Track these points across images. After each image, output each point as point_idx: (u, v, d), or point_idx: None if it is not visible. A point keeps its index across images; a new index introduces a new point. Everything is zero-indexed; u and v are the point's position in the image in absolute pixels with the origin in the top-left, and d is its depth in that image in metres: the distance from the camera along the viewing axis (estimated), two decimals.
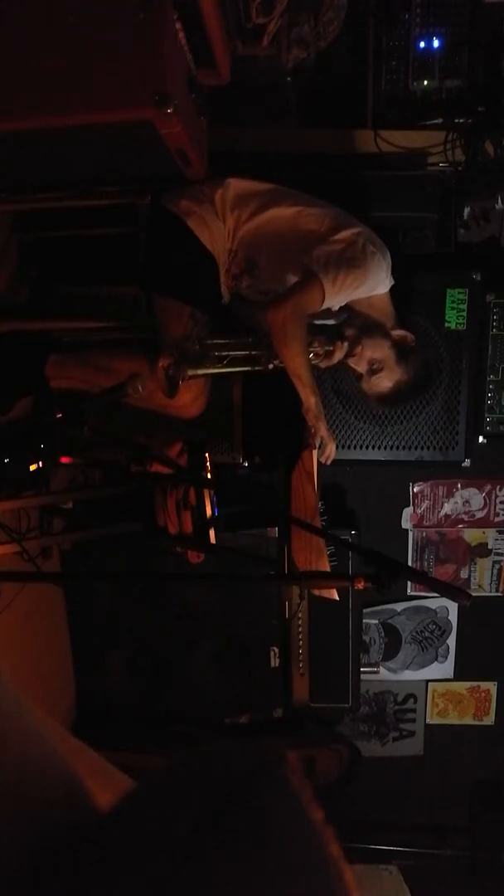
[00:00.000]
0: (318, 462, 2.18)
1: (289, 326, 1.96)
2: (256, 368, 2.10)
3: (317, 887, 0.40)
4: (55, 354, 2.20)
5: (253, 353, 2.08)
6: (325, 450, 2.13)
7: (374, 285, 2.07)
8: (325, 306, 2.05)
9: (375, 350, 2.15)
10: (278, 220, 2.11)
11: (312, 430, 2.09)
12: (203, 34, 1.89)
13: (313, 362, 2.10)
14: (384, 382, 2.19)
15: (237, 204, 2.12)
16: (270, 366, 2.07)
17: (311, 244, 2.04)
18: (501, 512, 3.18)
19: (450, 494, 3.17)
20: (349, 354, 2.16)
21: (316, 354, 2.11)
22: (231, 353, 2.08)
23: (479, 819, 3.39)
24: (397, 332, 2.17)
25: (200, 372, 2.06)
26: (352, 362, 2.20)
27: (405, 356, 2.17)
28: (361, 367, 2.19)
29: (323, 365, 2.16)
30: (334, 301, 2.06)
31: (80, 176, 2.23)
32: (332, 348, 2.12)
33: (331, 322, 2.26)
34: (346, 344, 2.14)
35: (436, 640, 3.34)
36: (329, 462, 2.16)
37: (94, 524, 2.41)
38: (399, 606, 3.29)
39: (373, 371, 2.18)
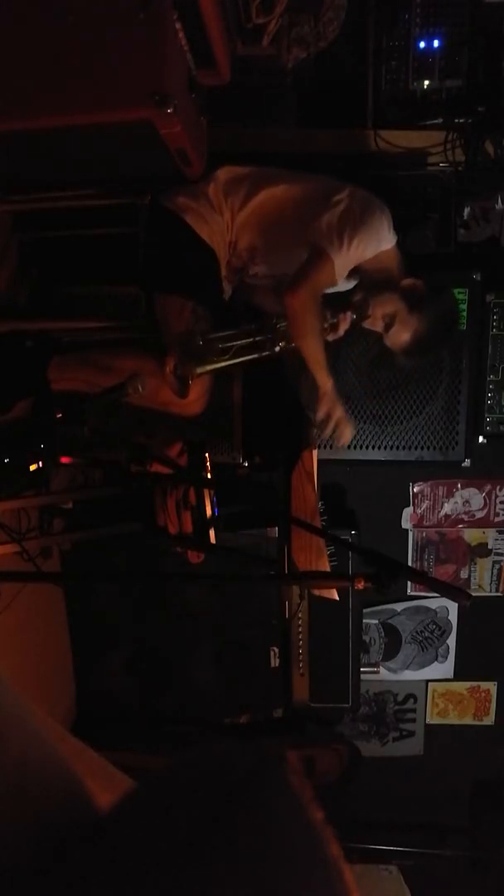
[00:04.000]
0: (317, 465, 2.18)
1: (307, 311, 1.95)
2: (264, 354, 2.06)
3: (317, 887, 0.40)
4: (57, 357, 2.20)
5: (256, 339, 2.05)
6: (343, 433, 2.09)
7: (378, 243, 2.05)
8: (338, 277, 2.03)
9: (385, 305, 2.12)
10: (270, 200, 2.11)
11: (326, 416, 2.04)
12: (203, 34, 1.89)
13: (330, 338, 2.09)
14: (402, 335, 2.14)
15: (228, 191, 2.12)
16: (277, 348, 2.04)
17: (308, 217, 2.03)
18: (501, 512, 3.18)
19: (450, 494, 3.17)
20: (362, 318, 2.14)
21: (324, 332, 2.09)
22: (235, 342, 2.05)
23: (479, 819, 3.39)
24: (406, 282, 2.12)
25: (209, 367, 2.04)
26: (368, 325, 2.17)
27: (417, 305, 2.11)
28: (378, 327, 2.16)
29: (330, 338, 2.14)
30: (346, 268, 2.04)
31: (80, 176, 2.23)
32: (336, 321, 2.10)
33: (339, 290, 2.24)
34: (349, 314, 2.11)
35: (436, 640, 3.34)
36: (344, 444, 2.12)
37: (94, 524, 2.41)
38: (399, 606, 3.29)
39: (388, 326, 2.14)
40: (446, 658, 3.36)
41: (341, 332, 2.14)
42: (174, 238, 2.10)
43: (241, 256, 2.18)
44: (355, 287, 2.19)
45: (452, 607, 3.28)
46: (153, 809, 0.42)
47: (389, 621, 3.31)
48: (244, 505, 2.57)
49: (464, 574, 3.26)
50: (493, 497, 3.16)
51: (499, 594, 3.27)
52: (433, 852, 3.32)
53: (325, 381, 2.03)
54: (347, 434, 2.10)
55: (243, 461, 2.50)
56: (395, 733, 3.46)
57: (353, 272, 2.16)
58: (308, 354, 2.00)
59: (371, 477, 3.07)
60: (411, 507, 3.20)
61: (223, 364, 2.05)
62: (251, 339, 2.05)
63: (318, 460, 2.27)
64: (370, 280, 2.14)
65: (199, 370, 1.99)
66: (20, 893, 0.40)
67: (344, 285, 2.23)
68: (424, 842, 3.33)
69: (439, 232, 2.57)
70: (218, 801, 0.41)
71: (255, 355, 2.07)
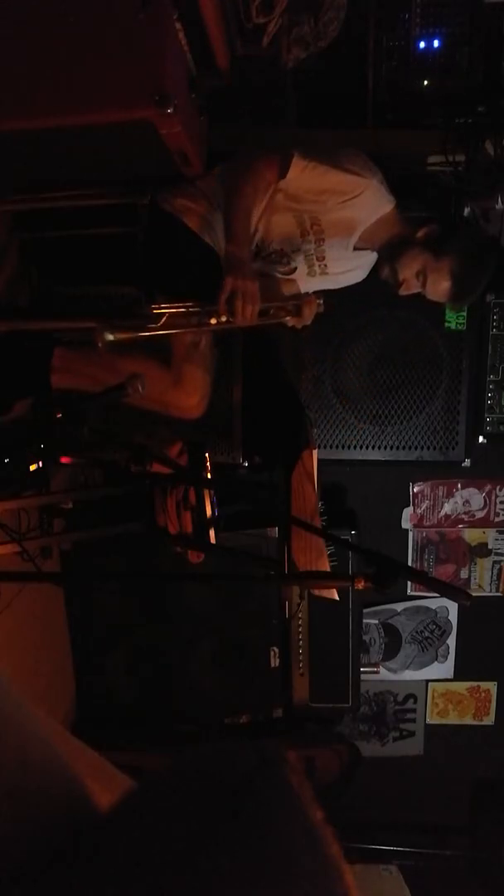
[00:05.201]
0: (317, 465, 2.17)
1: (238, 163, 1.96)
2: (203, 326, 1.96)
3: (317, 887, 0.40)
4: (60, 348, 2.18)
5: (190, 309, 1.95)
6: (242, 309, 1.84)
7: (360, 188, 1.99)
8: (288, 181, 1.97)
9: (412, 264, 2.05)
10: None
11: (230, 286, 1.84)
12: (203, 34, 1.89)
13: (289, 323, 2.01)
14: (440, 284, 2.05)
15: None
16: (213, 321, 1.92)
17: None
18: (501, 512, 3.18)
19: (450, 494, 3.17)
20: (397, 286, 2.09)
21: (287, 312, 2.01)
22: (167, 311, 1.95)
23: (479, 819, 3.39)
24: (420, 233, 2.06)
25: (128, 335, 1.93)
26: (405, 291, 2.10)
27: (440, 248, 2.03)
28: (416, 287, 2.09)
29: (298, 325, 2.04)
30: (303, 184, 1.98)
31: (80, 176, 2.23)
32: (299, 303, 2.01)
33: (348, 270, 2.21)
34: (314, 297, 2.03)
35: (436, 640, 3.34)
36: (244, 322, 1.87)
37: (94, 524, 2.41)
38: (399, 606, 3.29)
39: (424, 282, 2.07)
40: (446, 658, 3.36)
41: (308, 318, 2.02)
42: (174, 241, 2.10)
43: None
44: (377, 263, 2.16)
45: (452, 607, 3.28)
46: (153, 809, 0.42)
47: (389, 621, 3.31)
48: (244, 505, 2.57)
49: (464, 574, 3.26)
50: (493, 497, 3.16)
51: (499, 594, 3.27)
52: (433, 852, 3.32)
53: (229, 243, 1.92)
54: (249, 311, 1.85)
55: (243, 461, 2.50)
56: (395, 733, 3.46)
57: (364, 242, 2.12)
58: (227, 210, 1.95)
59: (371, 477, 3.07)
60: (411, 507, 3.20)
61: (149, 333, 1.94)
62: (184, 310, 1.95)
63: (318, 460, 2.28)
64: (386, 251, 2.11)
65: (115, 336, 1.89)
66: (21, 894, 0.40)
67: (353, 275, 2.21)
68: (424, 842, 3.33)
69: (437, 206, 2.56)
70: (218, 801, 0.41)
71: (192, 328, 1.98)
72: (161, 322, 1.94)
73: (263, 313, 1.96)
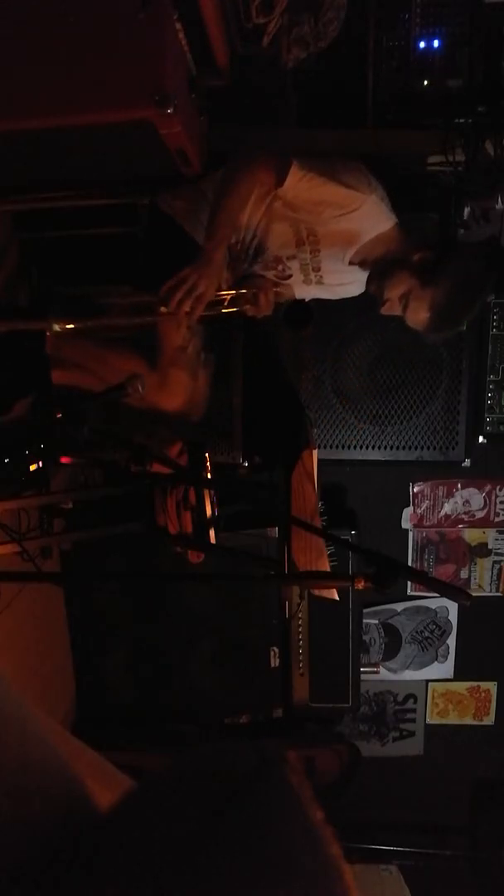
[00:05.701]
0: (317, 465, 2.17)
1: (237, 163, 1.94)
2: (147, 319, 1.96)
3: (317, 887, 0.40)
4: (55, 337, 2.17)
5: (140, 300, 1.94)
6: (172, 300, 1.87)
7: (356, 203, 1.95)
8: (285, 189, 1.95)
9: (398, 286, 1.99)
10: None
11: (186, 275, 1.85)
12: (203, 34, 1.89)
13: (248, 312, 1.99)
14: (419, 313, 1.98)
15: None
16: (163, 308, 1.91)
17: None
18: (501, 512, 3.18)
19: (450, 494, 3.17)
20: (382, 305, 2.05)
21: (246, 301, 1.98)
22: (114, 301, 1.96)
23: (479, 819, 3.39)
24: (415, 257, 1.99)
25: (73, 325, 1.94)
26: (386, 311, 2.06)
27: (431, 276, 1.95)
28: (397, 310, 2.04)
29: (258, 315, 2.01)
30: (299, 193, 1.96)
31: (80, 176, 2.23)
32: (255, 291, 1.98)
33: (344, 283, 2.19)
34: (269, 286, 2.01)
35: (436, 640, 3.34)
36: (188, 316, 1.89)
37: (94, 524, 2.41)
38: (399, 606, 3.29)
39: (405, 307, 2.01)
40: (446, 658, 3.36)
41: (265, 307, 1.99)
42: (172, 244, 2.09)
43: (245, 248, 2.15)
44: (368, 277, 2.12)
45: (452, 607, 3.28)
46: (153, 809, 0.42)
47: (389, 621, 3.31)
48: (244, 505, 2.57)
49: (464, 574, 3.26)
50: (493, 497, 3.16)
51: (499, 594, 3.27)
52: (433, 852, 3.32)
53: (207, 239, 1.90)
54: (185, 307, 1.86)
55: (243, 461, 2.50)
56: (395, 733, 3.46)
57: (359, 257, 2.08)
58: (214, 207, 1.93)
59: (371, 477, 3.07)
60: (411, 507, 3.20)
61: (94, 324, 1.94)
62: (132, 301, 1.95)
63: (318, 460, 2.28)
64: (378, 267, 2.06)
65: (61, 327, 1.91)
66: (21, 894, 0.40)
67: (351, 288, 2.20)
68: (424, 842, 3.33)
69: (439, 232, 2.57)
70: (218, 800, 0.41)
71: (148, 318, 1.97)
72: (114, 313, 1.94)
73: (216, 304, 1.95)
